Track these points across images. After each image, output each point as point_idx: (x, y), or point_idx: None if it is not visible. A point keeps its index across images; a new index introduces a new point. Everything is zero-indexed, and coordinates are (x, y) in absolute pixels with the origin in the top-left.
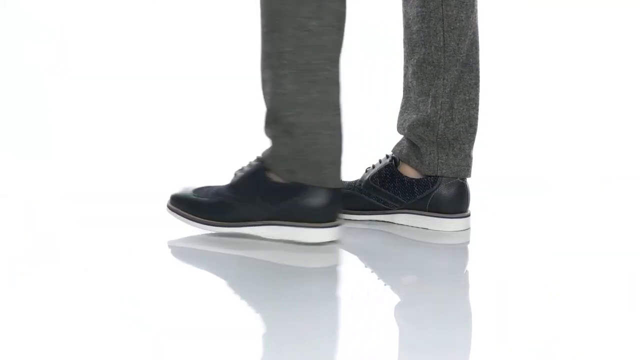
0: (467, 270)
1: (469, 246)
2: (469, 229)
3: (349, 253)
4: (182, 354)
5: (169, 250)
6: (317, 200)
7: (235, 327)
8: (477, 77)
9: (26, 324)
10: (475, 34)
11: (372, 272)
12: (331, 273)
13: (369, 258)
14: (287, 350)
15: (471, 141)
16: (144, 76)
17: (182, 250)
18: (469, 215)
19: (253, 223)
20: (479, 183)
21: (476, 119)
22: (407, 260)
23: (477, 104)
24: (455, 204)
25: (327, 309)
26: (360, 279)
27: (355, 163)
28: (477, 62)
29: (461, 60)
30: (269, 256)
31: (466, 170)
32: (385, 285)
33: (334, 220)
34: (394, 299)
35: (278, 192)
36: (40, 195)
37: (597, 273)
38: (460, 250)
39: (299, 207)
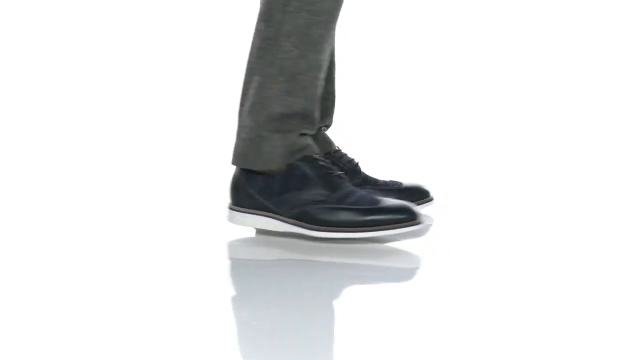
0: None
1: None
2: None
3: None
4: (182, 354)
5: (169, 250)
6: None
7: (235, 327)
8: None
9: (26, 324)
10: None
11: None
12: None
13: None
14: (286, 349)
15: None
16: (144, 76)
17: (182, 250)
18: (232, 209)
19: None
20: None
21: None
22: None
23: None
24: None
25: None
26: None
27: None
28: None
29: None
30: (268, 254)
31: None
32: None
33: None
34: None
35: None
36: (40, 196)
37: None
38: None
39: None
